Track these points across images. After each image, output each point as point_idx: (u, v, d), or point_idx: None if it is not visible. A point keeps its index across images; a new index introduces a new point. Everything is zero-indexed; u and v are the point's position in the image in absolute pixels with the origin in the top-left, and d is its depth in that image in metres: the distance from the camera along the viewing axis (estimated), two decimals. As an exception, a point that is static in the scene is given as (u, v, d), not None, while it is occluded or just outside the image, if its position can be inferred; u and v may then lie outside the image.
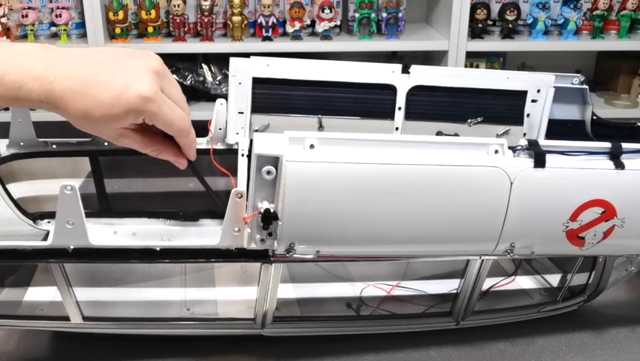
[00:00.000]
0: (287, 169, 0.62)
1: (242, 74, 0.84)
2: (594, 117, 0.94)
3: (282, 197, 0.64)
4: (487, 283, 0.89)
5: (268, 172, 0.64)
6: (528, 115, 0.91)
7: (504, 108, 0.90)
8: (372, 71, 0.86)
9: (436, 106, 0.89)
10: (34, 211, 0.69)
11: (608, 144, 0.71)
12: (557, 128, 0.91)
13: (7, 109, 2.08)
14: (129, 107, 0.63)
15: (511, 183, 0.67)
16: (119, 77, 0.64)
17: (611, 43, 2.28)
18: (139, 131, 0.67)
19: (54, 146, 0.84)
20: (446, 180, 0.66)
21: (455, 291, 0.80)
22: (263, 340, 0.79)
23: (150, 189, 0.98)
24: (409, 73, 0.86)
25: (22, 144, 0.83)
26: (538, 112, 0.90)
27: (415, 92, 0.87)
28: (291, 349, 0.80)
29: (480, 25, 2.24)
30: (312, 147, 0.64)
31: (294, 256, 0.68)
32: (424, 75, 0.86)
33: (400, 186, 0.65)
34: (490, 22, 2.27)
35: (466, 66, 2.23)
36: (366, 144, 0.65)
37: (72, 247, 0.66)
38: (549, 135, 0.91)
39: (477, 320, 0.83)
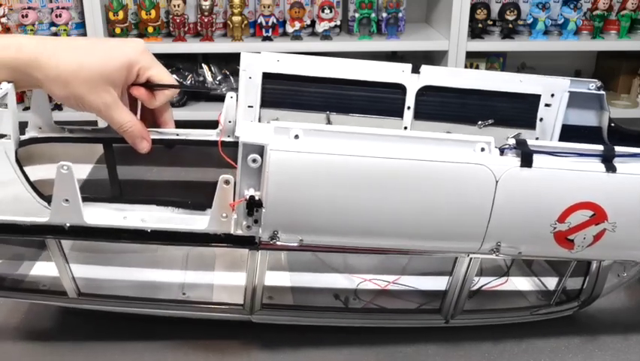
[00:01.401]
0: (270, 158, 0.64)
1: (252, 69, 0.85)
2: (612, 124, 0.91)
3: (266, 185, 0.66)
4: (481, 283, 0.89)
5: (254, 160, 0.66)
6: (541, 119, 0.89)
7: (516, 111, 0.89)
8: (382, 70, 0.86)
9: (446, 107, 0.89)
10: (49, 194, 0.72)
11: (600, 147, 0.70)
12: (572, 134, 0.89)
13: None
14: (125, 58, 0.71)
15: (497, 182, 0.67)
16: (109, 40, 0.74)
17: (611, 43, 2.28)
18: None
19: (69, 132, 0.87)
20: (430, 176, 0.66)
21: (444, 289, 0.80)
22: (253, 326, 0.80)
23: (161, 177, 1.01)
24: (419, 73, 0.86)
25: (40, 128, 0.85)
26: (552, 116, 0.89)
27: (425, 92, 0.87)
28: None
29: (480, 25, 2.25)
30: (296, 137, 0.65)
31: (278, 243, 0.70)
32: (434, 75, 0.86)
33: (383, 179, 0.66)
34: (490, 22, 2.28)
35: (466, 66, 2.23)
36: (352, 136, 0.66)
37: (68, 224, 0.69)
38: (563, 140, 0.89)
39: (467, 319, 0.83)
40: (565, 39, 2.24)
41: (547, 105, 0.89)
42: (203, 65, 2.24)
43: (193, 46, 2.19)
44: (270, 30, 2.19)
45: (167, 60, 2.20)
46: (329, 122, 0.87)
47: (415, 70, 0.86)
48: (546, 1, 2.19)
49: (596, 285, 0.83)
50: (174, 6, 2.13)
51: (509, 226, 0.70)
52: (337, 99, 0.87)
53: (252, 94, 0.86)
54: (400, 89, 0.86)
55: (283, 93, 0.87)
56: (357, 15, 2.19)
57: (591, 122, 0.92)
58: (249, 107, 0.86)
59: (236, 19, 2.15)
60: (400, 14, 2.21)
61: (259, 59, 0.85)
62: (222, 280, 0.87)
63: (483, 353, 0.81)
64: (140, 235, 0.71)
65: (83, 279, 0.79)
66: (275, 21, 2.19)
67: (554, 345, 0.83)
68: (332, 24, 2.20)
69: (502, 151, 0.69)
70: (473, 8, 2.20)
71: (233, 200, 0.68)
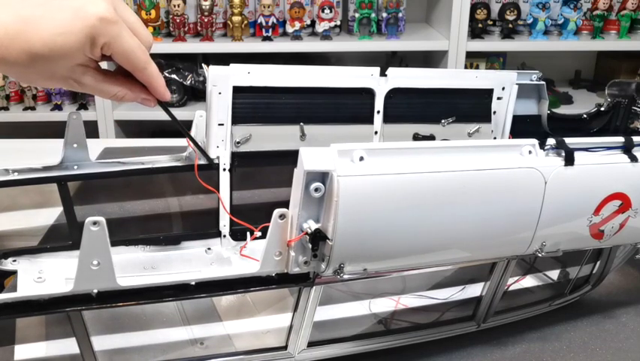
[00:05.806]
0: (340, 185, 0.59)
1: (222, 83, 0.82)
2: (549, 112, 0.98)
3: (334, 215, 0.60)
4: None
5: (316, 189, 0.60)
6: (494, 112, 0.94)
7: (473, 107, 0.93)
8: (352, 75, 0.86)
9: (412, 108, 0.91)
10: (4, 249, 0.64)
11: (621, 139, 0.73)
12: (517, 124, 0.95)
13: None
14: (86, 32, 0.54)
15: (546, 183, 0.68)
16: (67, 2, 0.54)
17: (611, 43, 2.28)
18: (96, 70, 0.58)
19: (15, 173, 0.76)
20: (489, 184, 0.66)
21: (479, 295, 0.81)
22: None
23: (123, 214, 0.91)
24: (386, 76, 0.87)
25: None
26: (503, 109, 0.93)
27: (392, 95, 0.88)
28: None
29: (480, 25, 2.25)
30: (361, 159, 0.60)
31: (343, 276, 0.64)
32: (400, 77, 0.87)
33: (451, 192, 0.65)
34: (490, 22, 2.28)
35: (466, 66, 2.23)
36: (412, 152, 0.64)
37: (96, 291, 0.59)
38: (512, 130, 0.95)
39: (497, 320, 0.83)
40: (565, 39, 2.24)
41: (499, 98, 0.93)
42: (203, 65, 2.24)
43: (193, 46, 2.19)
44: (270, 30, 2.19)
45: (167, 60, 2.20)
46: (303, 133, 0.86)
47: (383, 73, 0.87)
48: (546, 1, 2.20)
49: (605, 267, 0.86)
50: (174, 6, 2.13)
51: (554, 225, 0.71)
52: (309, 109, 0.87)
53: (223, 111, 0.82)
54: (370, 93, 0.87)
55: (254, 107, 0.84)
56: (357, 15, 2.19)
57: (533, 111, 0.98)
58: (220, 125, 0.83)
59: (236, 19, 2.15)
60: (400, 14, 2.21)
61: (229, 72, 0.82)
62: (235, 326, 0.80)
63: (484, 353, 0.81)
64: (183, 290, 0.63)
65: (101, 352, 0.68)
66: (275, 21, 2.19)
67: (556, 344, 0.83)
68: (332, 24, 2.20)
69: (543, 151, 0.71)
70: (473, 8, 2.20)
71: (289, 236, 0.62)
